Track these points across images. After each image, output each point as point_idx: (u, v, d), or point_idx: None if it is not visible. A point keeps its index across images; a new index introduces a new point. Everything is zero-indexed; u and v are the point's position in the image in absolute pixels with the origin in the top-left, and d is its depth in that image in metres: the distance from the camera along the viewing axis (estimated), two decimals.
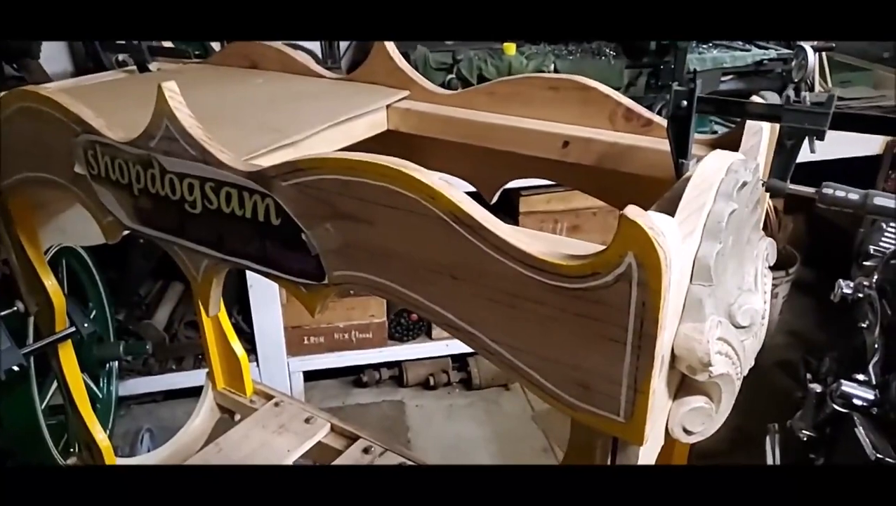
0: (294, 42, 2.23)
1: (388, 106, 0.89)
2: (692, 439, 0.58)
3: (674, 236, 0.45)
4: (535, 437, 2.17)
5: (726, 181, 0.53)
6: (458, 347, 2.33)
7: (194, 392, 2.24)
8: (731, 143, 0.69)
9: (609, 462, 0.54)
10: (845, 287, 1.56)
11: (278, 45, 1.02)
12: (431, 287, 0.55)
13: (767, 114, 0.61)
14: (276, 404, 1.36)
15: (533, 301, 0.49)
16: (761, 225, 0.68)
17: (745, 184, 0.54)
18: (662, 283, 0.43)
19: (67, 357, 1.12)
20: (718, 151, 0.57)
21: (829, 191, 0.59)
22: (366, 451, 1.23)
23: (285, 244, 0.63)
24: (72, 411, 1.16)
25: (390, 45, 0.91)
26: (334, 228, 0.59)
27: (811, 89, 2.33)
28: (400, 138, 0.91)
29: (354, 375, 2.42)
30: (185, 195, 0.68)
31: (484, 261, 0.50)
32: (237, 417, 1.46)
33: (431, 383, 2.37)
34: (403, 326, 2.29)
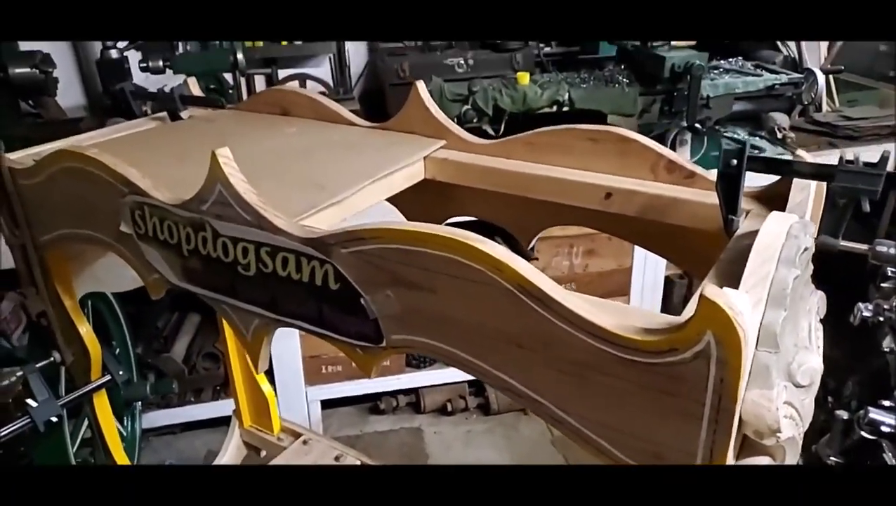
0: (307, 73, 2.25)
1: (424, 156, 0.90)
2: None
3: (750, 314, 0.46)
4: (556, 462, 2.17)
5: (787, 246, 0.54)
6: None
7: (212, 423, 2.24)
8: (776, 196, 0.70)
9: None
10: (865, 310, 1.56)
11: (309, 92, 1.04)
12: (496, 355, 0.55)
13: (820, 174, 0.62)
14: (305, 442, 1.36)
15: (604, 373, 0.50)
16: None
17: (806, 249, 0.54)
18: (742, 360, 0.44)
19: (102, 404, 1.12)
20: (777, 215, 0.57)
21: (883, 248, 0.60)
22: None
23: (343, 308, 0.63)
24: (105, 456, 1.17)
25: (425, 95, 0.92)
26: (395, 295, 0.59)
27: (819, 109, 2.35)
28: (437, 186, 0.91)
29: (371, 403, 2.41)
30: (238, 258, 0.68)
31: (553, 332, 0.51)
32: (263, 452, 1.46)
33: (449, 408, 2.37)
34: (420, 354, 2.29)
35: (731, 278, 0.55)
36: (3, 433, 0.94)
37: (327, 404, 2.34)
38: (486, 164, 0.86)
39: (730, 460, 0.49)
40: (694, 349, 0.45)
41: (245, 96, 2.13)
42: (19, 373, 1.20)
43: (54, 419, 0.98)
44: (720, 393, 0.45)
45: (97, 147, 0.80)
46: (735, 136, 2.11)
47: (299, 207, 0.72)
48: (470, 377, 2.39)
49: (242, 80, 2.09)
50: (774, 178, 0.71)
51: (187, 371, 2.12)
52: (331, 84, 2.28)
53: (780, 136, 2.09)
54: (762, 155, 0.64)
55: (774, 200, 0.69)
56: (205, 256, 0.71)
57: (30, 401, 0.98)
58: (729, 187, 0.64)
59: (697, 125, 1.83)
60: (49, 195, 0.87)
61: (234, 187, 0.65)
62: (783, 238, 0.54)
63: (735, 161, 0.63)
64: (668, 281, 2.38)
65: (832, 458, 1.49)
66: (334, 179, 0.80)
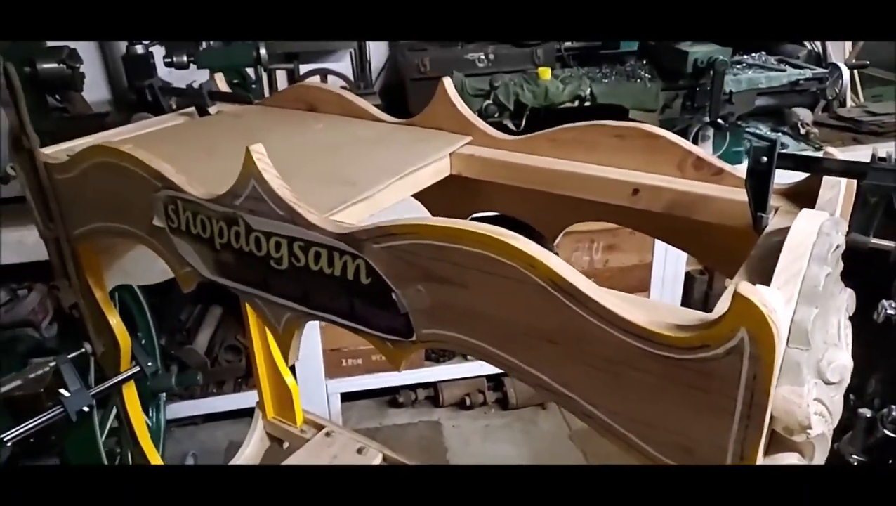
0: (328, 68, 2.27)
1: (451, 152, 0.90)
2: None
3: (783, 311, 0.46)
4: (574, 456, 2.18)
5: (819, 244, 0.54)
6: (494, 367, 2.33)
7: (234, 415, 2.27)
8: (805, 193, 0.70)
9: None
10: (889, 308, 1.55)
11: (337, 89, 1.05)
12: (527, 350, 0.56)
13: (851, 171, 0.62)
14: (328, 435, 1.37)
15: (636, 369, 0.50)
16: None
17: (838, 247, 0.54)
18: (776, 357, 0.44)
19: (131, 395, 1.15)
20: (808, 212, 0.57)
21: None
22: None
23: (374, 302, 0.64)
24: (133, 446, 1.19)
25: (451, 91, 0.93)
26: (426, 290, 0.60)
27: (843, 104, 2.32)
28: (462, 182, 0.92)
29: (390, 396, 2.43)
30: (270, 252, 0.70)
31: (585, 329, 0.51)
32: (285, 444, 1.48)
33: (467, 402, 2.39)
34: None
35: (762, 275, 0.55)
36: (37, 422, 0.97)
37: (347, 397, 2.36)
38: (512, 160, 0.86)
39: (760, 455, 0.49)
40: (727, 346, 0.46)
41: (267, 91, 2.14)
42: (52, 363, 1.23)
43: (86, 409, 1.00)
44: (752, 389, 0.46)
45: (130, 142, 0.81)
46: (757, 131, 2.09)
47: (329, 203, 0.73)
48: (488, 372, 2.41)
49: (264, 75, 2.10)
50: (801, 174, 0.71)
51: (209, 363, 2.14)
52: (351, 79, 2.30)
53: (803, 131, 2.07)
54: (792, 152, 0.64)
55: (803, 197, 0.69)
56: (237, 250, 0.73)
57: (63, 391, 1.01)
58: (758, 185, 0.64)
59: (720, 120, 1.82)
60: (83, 190, 0.89)
61: (268, 183, 0.66)
62: (815, 235, 0.55)
63: (765, 158, 0.63)
64: (689, 276, 2.37)
65: (854, 456, 1.49)
66: (363, 175, 0.81)
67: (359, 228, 0.62)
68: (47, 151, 0.93)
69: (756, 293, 0.44)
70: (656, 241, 2.20)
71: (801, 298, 0.52)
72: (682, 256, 2.23)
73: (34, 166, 0.91)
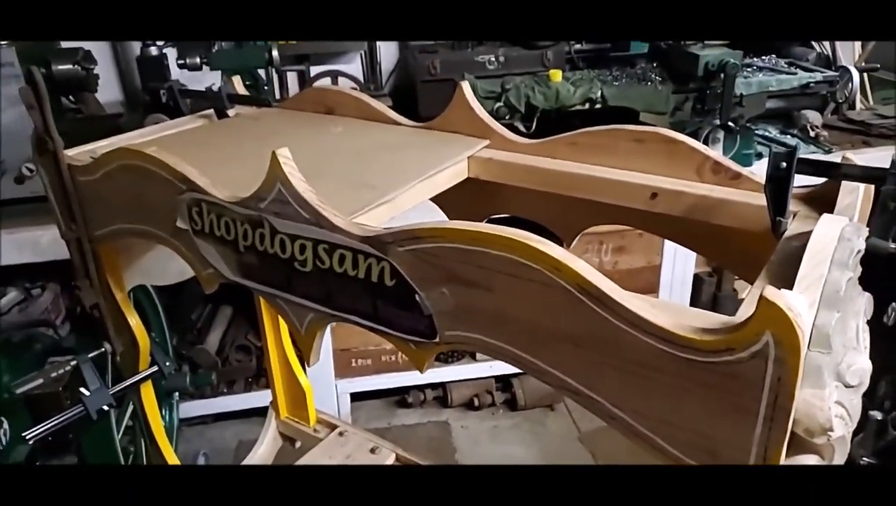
0: (339, 70, 2.28)
1: (469, 156, 0.91)
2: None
3: (807, 315, 0.47)
4: (583, 458, 2.18)
5: (840, 249, 0.55)
6: (502, 368, 2.34)
7: (244, 414, 2.28)
8: (823, 197, 0.70)
9: None
10: None
11: (355, 92, 1.06)
12: (551, 353, 0.57)
13: (871, 176, 0.62)
14: (341, 434, 1.38)
15: (661, 372, 0.51)
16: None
17: (859, 252, 0.55)
18: (800, 360, 0.45)
19: (148, 394, 1.16)
20: (828, 217, 0.58)
21: None
22: None
23: (398, 304, 0.65)
24: (151, 445, 1.20)
25: (469, 95, 0.94)
26: (450, 292, 0.61)
27: (852, 107, 2.33)
28: (479, 185, 0.93)
29: (399, 396, 2.44)
30: (295, 254, 0.71)
31: (610, 332, 0.52)
32: (297, 443, 1.49)
33: (476, 403, 2.40)
34: None
35: (783, 280, 0.56)
36: (59, 421, 0.98)
37: (356, 397, 2.37)
38: (530, 163, 0.87)
39: (782, 457, 0.50)
40: (752, 349, 0.46)
41: (278, 93, 2.16)
42: (73, 362, 1.24)
43: (106, 408, 1.02)
44: (777, 392, 0.47)
45: (153, 145, 0.82)
46: (767, 134, 2.10)
47: (351, 206, 0.74)
48: (497, 373, 2.41)
49: (275, 77, 2.12)
50: (816, 179, 0.72)
51: (220, 363, 2.16)
52: (362, 81, 2.31)
53: (812, 134, 2.08)
54: (812, 158, 0.65)
55: (821, 201, 0.70)
56: (261, 252, 0.74)
57: (83, 390, 1.02)
58: (778, 190, 0.65)
59: (730, 123, 1.83)
60: (106, 191, 0.90)
61: (294, 187, 0.67)
62: (836, 241, 0.55)
63: (785, 164, 0.64)
64: (697, 279, 2.38)
65: (865, 458, 1.49)
66: (383, 178, 0.82)
67: (384, 232, 0.63)
68: (70, 152, 0.95)
69: (781, 298, 0.44)
70: (665, 243, 2.21)
71: (823, 303, 0.53)
72: (691, 258, 2.23)
73: (58, 168, 0.92)
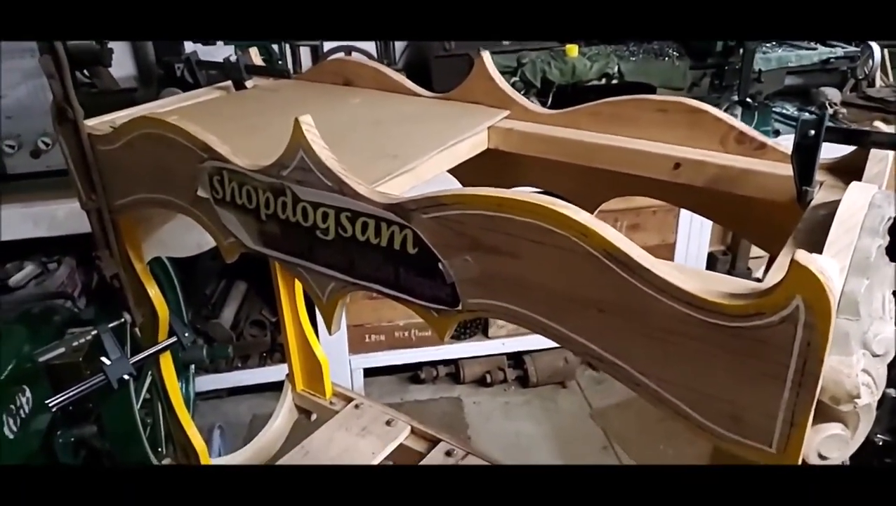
0: (352, 45, 2.26)
1: (489, 126, 0.91)
2: (824, 464, 0.59)
3: (838, 280, 0.46)
4: (595, 435, 2.19)
5: (870, 216, 0.54)
6: (514, 345, 2.35)
7: (258, 389, 2.31)
8: (850, 167, 0.70)
9: None
10: None
11: (373, 63, 1.05)
12: (576, 320, 0.57)
13: None
14: (357, 407, 1.39)
15: (688, 337, 0.51)
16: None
17: (889, 219, 0.55)
18: (830, 325, 0.45)
19: (167, 364, 1.17)
20: (858, 185, 0.58)
21: None
22: (448, 454, 1.26)
23: (420, 272, 0.65)
24: (170, 415, 1.22)
25: (490, 65, 0.93)
26: (474, 260, 0.61)
27: (871, 84, 2.29)
28: (498, 156, 0.92)
29: (412, 372, 2.46)
30: (317, 223, 0.71)
31: (637, 298, 0.52)
32: (313, 416, 1.50)
33: (488, 380, 2.41)
34: (461, 325, 2.32)
35: (811, 247, 0.56)
36: (81, 389, 0.99)
37: (369, 373, 2.39)
38: (551, 133, 0.87)
39: (809, 423, 0.50)
40: (781, 313, 0.46)
41: (291, 66, 2.15)
42: (94, 332, 1.25)
43: (126, 377, 1.03)
44: (806, 357, 0.46)
45: (174, 115, 0.82)
46: (784, 111, 2.07)
47: (373, 175, 0.74)
48: (509, 350, 2.42)
49: (288, 51, 2.11)
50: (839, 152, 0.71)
51: (235, 337, 2.17)
52: (375, 56, 2.29)
53: (830, 111, 2.05)
54: (840, 126, 0.64)
55: (848, 171, 0.69)
56: (283, 220, 0.74)
57: (104, 359, 1.03)
58: (805, 158, 0.64)
59: (748, 100, 1.81)
60: (126, 161, 0.90)
61: (317, 154, 0.67)
62: (866, 207, 0.55)
63: (812, 132, 0.63)
64: (711, 257, 2.37)
65: (879, 436, 1.49)
66: (403, 148, 0.82)
67: (407, 199, 0.63)
68: (90, 123, 0.95)
69: (813, 262, 0.44)
70: (679, 221, 2.20)
71: (853, 269, 0.52)
72: (705, 236, 2.22)
73: (78, 138, 0.92)
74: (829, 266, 0.45)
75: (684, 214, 2.16)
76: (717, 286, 0.50)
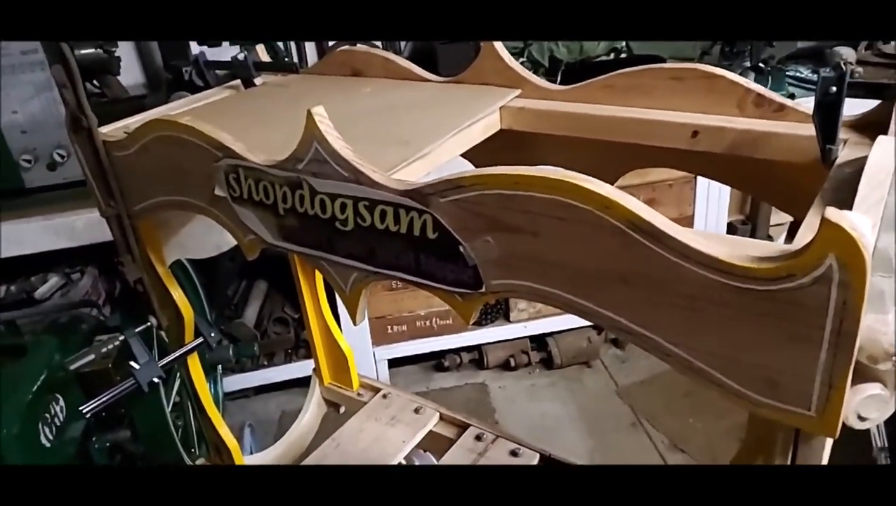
0: None
1: (500, 106, 0.90)
2: (865, 426, 0.59)
3: (871, 236, 0.45)
4: (622, 412, 2.19)
5: None
6: (537, 328, 2.35)
7: (285, 386, 2.32)
8: (873, 124, 0.68)
9: (790, 455, 0.55)
10: None
11: (381, 52, 1.04)
12: (602, 294, 0.56)
13: None
14: (385, 397, 1.40)
15: (718, 304, 0.50)
16: None
17: None
18: (866, 283, 0.44)
19: (195, 365, 1.18)
20: (885, 139, 0.56)
21: None
22: (478, 438, 1.27)
23: (441, 257, 0.65)
24: (201, 415, 1.23)
25: (499, 45, 0.92)
26: (495, 240, 0.61)
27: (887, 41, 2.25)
28: (512, 136, 0.92)
29: (435, 361, 2.46)
30: (336, 214, 0.71)
31: (664, 267, 0.51)
32: (342, 409, 1.51)
33: (512, 364, 2.41)
34: (482, 311, 2.32)
35: (839, 205, 0.54)
36: (112, 394, 1.00)
37: (393, 364, 2.40)
38: (565, 109, 0.86)
39: (848, 384, 0.49)
40: (814, 274, 0.45)
41: (296, 60, 2.14)
42: (121, 337, 1.27)
43: (156, 380, 1.04)
44: (842, 316, 0.46)
45: (188, 115, 0.82)
46: (798, 74, 2.04)
47: (387, 163, 0.74)
48: (532, 333, 2.41)
49: (293, 46, 2.11)
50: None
51: (259, 336, 2.19)
52: (379, 46, 2.28)
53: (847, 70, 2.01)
54: (862, 80, 0.62)
55: (872, 127, 0.68)
56: (302, 213, 0.74)
57: (132, 363, 1.04)
58: (827, 115, 0.63)
59: (761, 65, 1.78)
60: (142, 165, 0.90)
61: (331, 145, 0.67)
62: (894, 162, 0.54)
63: (834, 88, 0.61)
64: (731, 226, 2.35)
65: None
66: (417, 134, 0.81)
67: (424, 184, 0.63)
68: (104, 129, 0.95)
69: (845, 218, 0.43)
70: (697, 193, 2.17)
71: (884, 225, 0.51)
72: (724, 206, 2.20)
73: (93, 145, 0.93)
74: (861, 222, 0.44)
75: (701, 185, 2.14)
76: (745, 250, 0.49)
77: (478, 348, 2.43)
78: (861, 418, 0.58)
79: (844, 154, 0.65)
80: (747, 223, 2.39)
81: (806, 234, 0.49)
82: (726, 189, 2.16)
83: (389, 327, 2.25)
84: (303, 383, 1.57)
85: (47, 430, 1.25)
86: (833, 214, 0.43)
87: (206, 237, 1.17)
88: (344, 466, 1.22)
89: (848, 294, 0.45)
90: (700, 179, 2.15)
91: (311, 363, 1.49)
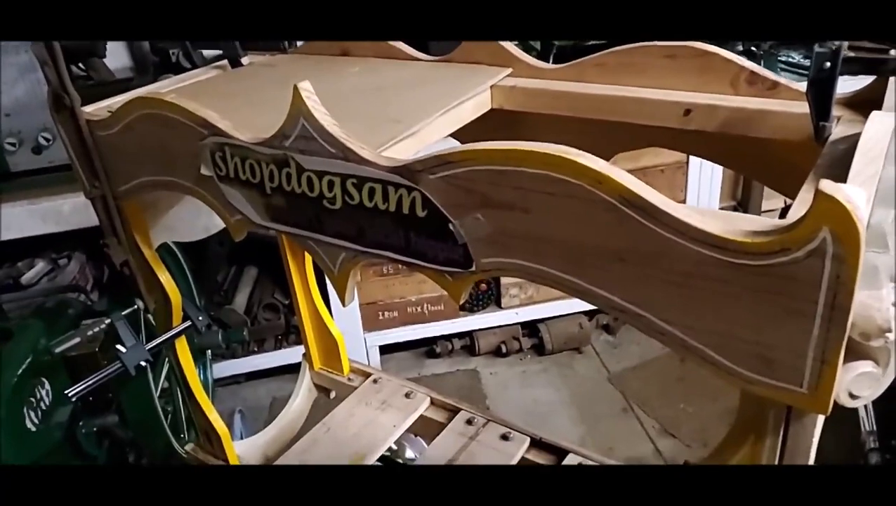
0: None
1: (491, 85, 0.89)
2: (856, 404, 0.58)
3: (865, 209, 0.45)
4: (614, 398, 2.19)
5: (894, 145, 0.53)
6: (528, 314, 2.35)
7: (275, 372, 2.32)
8: (867, 101, 0.68)
9: (782, 432, 0.55)
10: None
11: None
12: (595, 271, 0.56)
13: None
14: (375, 381, 1.39)
15: (712, 280, 0.50)
16: None
17: None
18: (860, 256, 0.43)
19: (183, 349, 1.17)
20: (879, 114, 0.56)
21: None
22: (469, 422, 1.26)
23: (431, 235, 0.64)
24: (190, 400, 1.22)
25: None
26: (486, 218, 0.60)
27: None
28: (502, 116, 0.91)
29: (427, 347, 2.46)
30: (323, 192, 0.69)
31: (656, 243, 0.51)
32: (332, 394, 1.50)
33: (503, 350, 2.41)
34: (473, 297, 2.32)
35: (833, 181, 0.54)
36: (99, 377, 0.99)
37: (385, 350, 2.39)
38: (556, 88, 0.85)
39: (840, 360, 0.48)
40: (807, 247, 0.45)
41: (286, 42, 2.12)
42: (108, 321, 1.25)
43: (143, 364, 1.02)
44: (835, 291, 0.45)
45: (172, 94, 0.81)
46: (790, 59, 2.03)
47: (377, 140, 0.73)
48: (523, 319, 2.41)
49: None
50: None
51: (249, 322, 2.18)
52: None
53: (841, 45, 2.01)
54: (857, 56, 0.62)
55: (865, 104, 0.67)
56: (289, 192, 0.72)
57: (119, 347, 1.03)
58: (821, 92, 0.62)
59: (753, 49, 1.77)
60: (126, 144, 0.89)
61: (318, 121, 0.66)
62: (889, 136, 0.53)
63: (829, 63, 0.61)
64: None
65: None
66: (406, 112, 0.80)
67: (413, 160, 0.62)
68: (88, 109, 0.93)
69: (840, 191, 0.43)
70: (688, 178, 2.17)
71: (878, 200, 0.51)
72: (715, 191, 2.20)
73: (76, 124, 0.91)
74: (856, 195, 0.43)
75: (693, 170, 2.14)
76: (739, 225, 0.48)
77: (469, 335, 2.43)
78: (853, 396, 0.58)
79: (838, 131, 0.64)
80: (738, 209, 2.39)
81: (799, 208, 0.48)
82: (718, 175, 2.16)
83: (380, 313, 2.24)
84: (293, 370, 1.56)
85: (33, 414, 1.23)
86: (828, 186, 0.43)
87: (194, 220, 1.16)
88: (347, 466, 1.21)
89: (842, 268, 0.44)
90: (692, 164, 2.14)
91: (301, 350, 1.48)
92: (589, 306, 2.31)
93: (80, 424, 1.36)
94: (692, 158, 2.09)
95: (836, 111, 0.67)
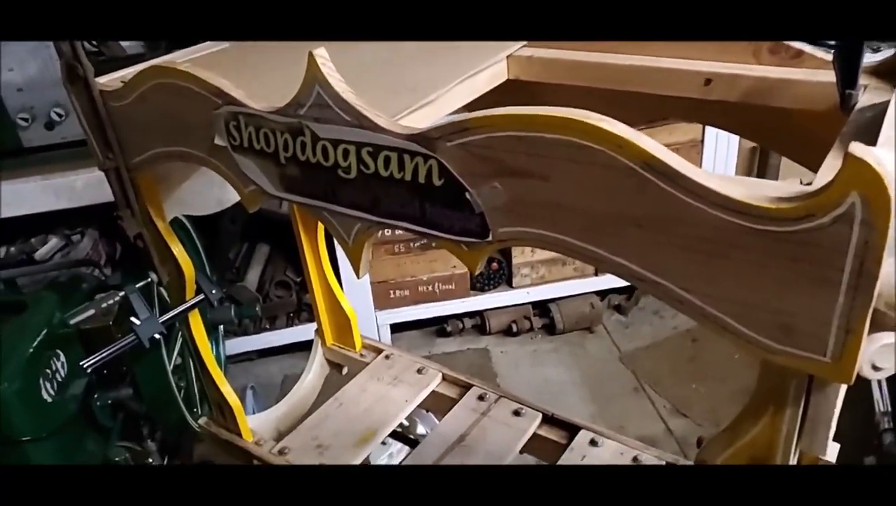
0: None
1: (507, 55, 0.87)
2: (879, 376, 0.57)
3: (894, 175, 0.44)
4: (625, 377, 2.19)
5: None
6: (539, 294, 2.34)
7: (287, 349, 2.33)
8: (894, 68, 0.66)
9: (803, 402, 0.54)
10: None
11: None
12: (613, 239, 0.55)
13: None
14: (387, 357, 1.39)
15: (734, 247, 0.49)
16: None
17: None
18: (890, 221, 0.42)
19: (196, 323, 1.17)
20: None
21: None
22: (481, 398, 1.26)
23: (447, 204, 0.63)
24: (203, 374, 1.22)
25: None
26: (503, 186, 0.59)
27: None
28: (518, 87, 0.89)
29: (437, 326, 2.46)
30: (339, 161, 0.69)
31: (678, 208, 0.50)
32: (344, 369, 1.51)
33: (514, 329, 2.40)
34: (485, 276, 2.32)
35: None
36: (114, 349, 0.99)
37: (396, 328, 2.40)
38: (573, 58, 0.83)
39: (866, 329, 0.48)
40: (834, 213, 0.44)
41: None
42: (121, 294, 1.26)
43: (157, 336, 1.03)
44: (863, 257, 0.44)
45: (185, 64, 0.80)
46: None
47: (393, 109, 0.72)
48: (534, 299, 2.40)
49: None
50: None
51: (261, 299, 2.19)
52: None
53: None
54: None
55: (893, 73, 0.66)
56: (304, 161, 0.72)
57: (133, 319, 1.03)
58: (848, 59, 0.60)
59: None
60: (140, 115, 0.88)
61: (334, 88, 0.65)
62: None
63: None
64: None
65: None
66: (421, 81, 0.79)
67: (430, 127, 0.61)
68: (101, 80, 0.93)
69: (871, 154, 0.41)
70: (703, 156, 2.15)
71: None
72: (731, 168, 2.18)
73: (90, 95, 0.91)
74: (887, 158, 0.42)
75: (708, 149, 2.11)
76: (763, 191, 0.47)
77: (480, 314, 2.43)
78: (875, 368, 0.57)
79: (865, 99, 0.63)
80: None
81: (825, 174, 0.47)
82: (733, 153, 2.14)
83: (392, 292, 2.25)
84: (305, 347, 1.57)
85: (48, 385, 1.24)
86: (859, 149, 0.42)
87: (207, 192, 1.15)
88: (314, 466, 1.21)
89: (871, 234, 0.43)
90: (707, 143, 2.12)
91: (313, 327, 1.48)
92: (600, 287, 2.33)
93: (95, 396, 1.38)
94: (707, 137, 2.07)
95: (862, 80, 0.66)
